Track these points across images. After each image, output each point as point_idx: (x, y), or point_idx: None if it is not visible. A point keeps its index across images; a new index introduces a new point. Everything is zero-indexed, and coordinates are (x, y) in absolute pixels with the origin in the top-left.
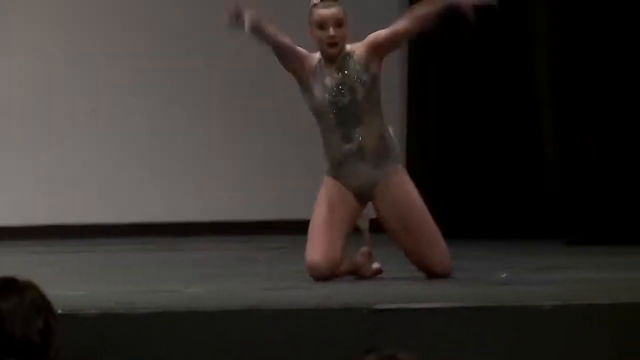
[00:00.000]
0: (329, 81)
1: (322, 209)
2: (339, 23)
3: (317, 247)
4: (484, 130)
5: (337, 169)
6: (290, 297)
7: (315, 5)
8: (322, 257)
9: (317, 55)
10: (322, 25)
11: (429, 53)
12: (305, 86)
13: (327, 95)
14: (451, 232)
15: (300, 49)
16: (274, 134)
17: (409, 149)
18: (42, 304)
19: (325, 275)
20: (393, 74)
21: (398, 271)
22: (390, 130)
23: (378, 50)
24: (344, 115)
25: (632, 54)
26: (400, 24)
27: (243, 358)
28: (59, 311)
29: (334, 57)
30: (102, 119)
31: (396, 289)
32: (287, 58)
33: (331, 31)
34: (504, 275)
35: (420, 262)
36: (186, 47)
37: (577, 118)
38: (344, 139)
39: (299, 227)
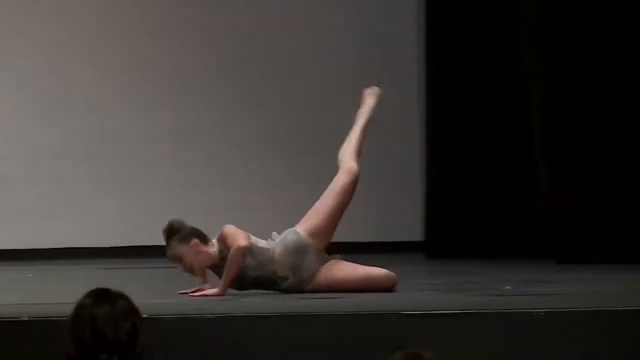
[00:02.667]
0: None
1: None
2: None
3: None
4: (483, 162)
5: None
6: (328, 305)
7: None
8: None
9: None
10: None
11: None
12: None
13: None
14: (457, 252)
15: None
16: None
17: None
18: (130, 310)
19: None
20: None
21: (419, 284)
22: None
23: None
24: None
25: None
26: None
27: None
28: (144, 315)
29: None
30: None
31: (418, 298)
32: None
33: None
34: (508, 288)
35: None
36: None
37: (567, 145)
38: None
39: None
